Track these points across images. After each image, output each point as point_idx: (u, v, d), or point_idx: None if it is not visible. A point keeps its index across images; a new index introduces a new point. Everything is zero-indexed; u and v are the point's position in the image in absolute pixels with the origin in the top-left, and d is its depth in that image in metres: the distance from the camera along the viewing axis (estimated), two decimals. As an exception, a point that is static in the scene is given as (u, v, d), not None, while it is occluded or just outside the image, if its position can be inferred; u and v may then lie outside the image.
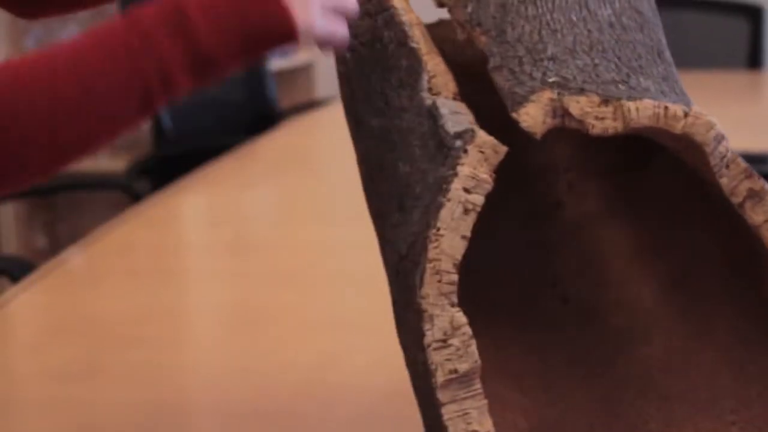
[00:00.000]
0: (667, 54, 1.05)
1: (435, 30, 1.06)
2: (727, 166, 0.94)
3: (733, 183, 0.94)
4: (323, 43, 1.00)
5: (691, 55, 3.27)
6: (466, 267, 0.99)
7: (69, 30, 3.71)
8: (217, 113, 3.40)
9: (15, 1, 1.16)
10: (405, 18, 1.03)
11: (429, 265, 0.90)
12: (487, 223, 1.10)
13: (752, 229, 0.95)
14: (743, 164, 0.94)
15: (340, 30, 1.00)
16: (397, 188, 1.01)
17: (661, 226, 1.11)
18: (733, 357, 1.04)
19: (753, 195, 0.94)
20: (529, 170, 1.16)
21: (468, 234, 0.91)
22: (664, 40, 1.06)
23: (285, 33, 0.97)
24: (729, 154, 0.94)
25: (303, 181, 2.40)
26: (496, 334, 1.12)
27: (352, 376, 1.38)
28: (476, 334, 1.04)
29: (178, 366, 1.46)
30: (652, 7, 1.06)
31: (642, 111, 0.93)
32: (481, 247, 1.13)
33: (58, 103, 0.92)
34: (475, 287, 1.13)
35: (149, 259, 1.90)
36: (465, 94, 1.00)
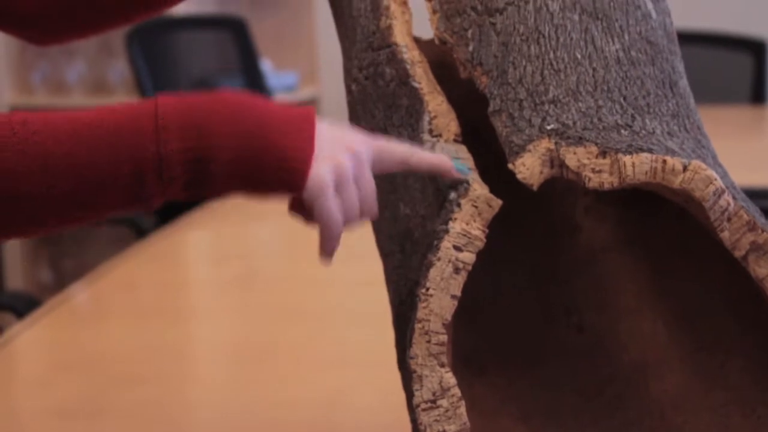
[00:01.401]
0: (682, 83, 1.03)
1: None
2: (729, 219, 0.92)
3: (735, 236, 0.92)
4: (318, 221, 0.92)
5: (695, 90, 3.27)
6: (478, 295, 0.98)
7: (75, 65, 3.72)
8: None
9: (28, 26, 1.17)
10: (407, 56, 1.02)
11: (418, 325, 0.90)
12: (504, 246, 1.09)
13: (756, 282, 0.93)
14: (746, 216, 0.92)
15: (337, 223, 0.92)
16: (398, 230, 1.00)
17: (677, 258, 1.10)
18: (745, 398, 1.03)
19: (756, 248, 0.92)
20: (551, 189, 1.15)
21: (458, 293, 0.90)
22: (680, 68, 1.04)
23: (293, 180, 0.91)
24: (731, 207, 0.92)
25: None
26: (509, 365, 1.11)
27: (359, 414, 1.37)
28: (488, 370, 1.03)
29: (182, 404, 1.45)
30: (667, 33, 1.04)
31: (639, 167, 0.91)
32: (496, 270, 1.12)
33: (46, 164, 0.89)
34: (488, 316, 1.12)
35: (154, 295, 1.89)
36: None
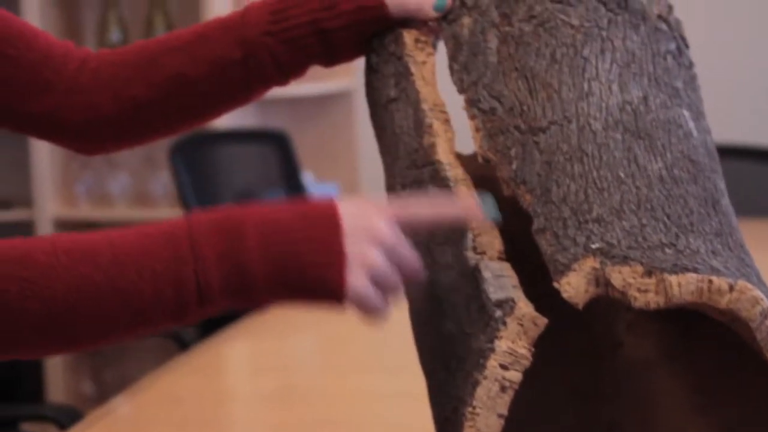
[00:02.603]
0: (724, 201, 1.03)
1: None
2: None
3: None
4: (361, 312, 0.97)
5: (735, 203, 3.27)
6: (521, 412, 0.97)
7: (119, 177, 3.76)
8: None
9: (76, 137, 1.20)
10: (450, 174, 1.03)
11: None
12: (546, 361, 1.08)
13: None
14: None
15: (380, 305, 0.97)
16: (442, 346, 1.00)
17: (720, 374, 1.09)
18: None
19: None
20: (593, 304, 1.15)
21: (505, 412, 0.90)
22: (721, 186, 1.04)
23: (331, 294, 0.95)
24: None
25: (348, 329, 2.39)
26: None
27: None
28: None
29: None
30: (708, 151, 1.04)
31: (685, 286, 0.91)
32: (539, 386, 1.11)
33: (89, 292, 0.93)
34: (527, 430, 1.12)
35: (196, 408, 1.89)
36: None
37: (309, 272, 0.95)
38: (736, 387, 1.08)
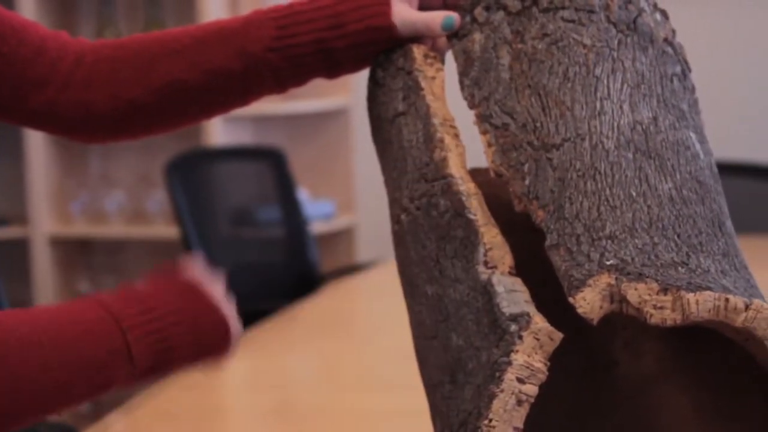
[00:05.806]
0: (728, 224, 1.04)
1: None
2: None
3: None
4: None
5: (738, 220, 3.28)
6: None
7: (114, 195, 3.76)
8: (259, 277, 3.42)
9: (74, 129, 1.21)
10: (463, 188, 1.03)
11: None
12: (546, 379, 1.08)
13: None
14: None
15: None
16: (449, 360, 1.00)
17: (721, 391, 1.09)
18: None
19: None
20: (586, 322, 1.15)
21: (520, 425, 0.91)
22: (725, 208, 1.05)
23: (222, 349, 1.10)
24: None
25: (345, 347, 2.39)
26: None
27: None
28: None
29: None
30: (713, 173, 1.05)
31: (702, 304, 0.92)
32: (538, 404, 1.11)
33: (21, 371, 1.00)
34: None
35: (191, 426, 1.89)
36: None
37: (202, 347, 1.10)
38: (738, 407, 1.08)
